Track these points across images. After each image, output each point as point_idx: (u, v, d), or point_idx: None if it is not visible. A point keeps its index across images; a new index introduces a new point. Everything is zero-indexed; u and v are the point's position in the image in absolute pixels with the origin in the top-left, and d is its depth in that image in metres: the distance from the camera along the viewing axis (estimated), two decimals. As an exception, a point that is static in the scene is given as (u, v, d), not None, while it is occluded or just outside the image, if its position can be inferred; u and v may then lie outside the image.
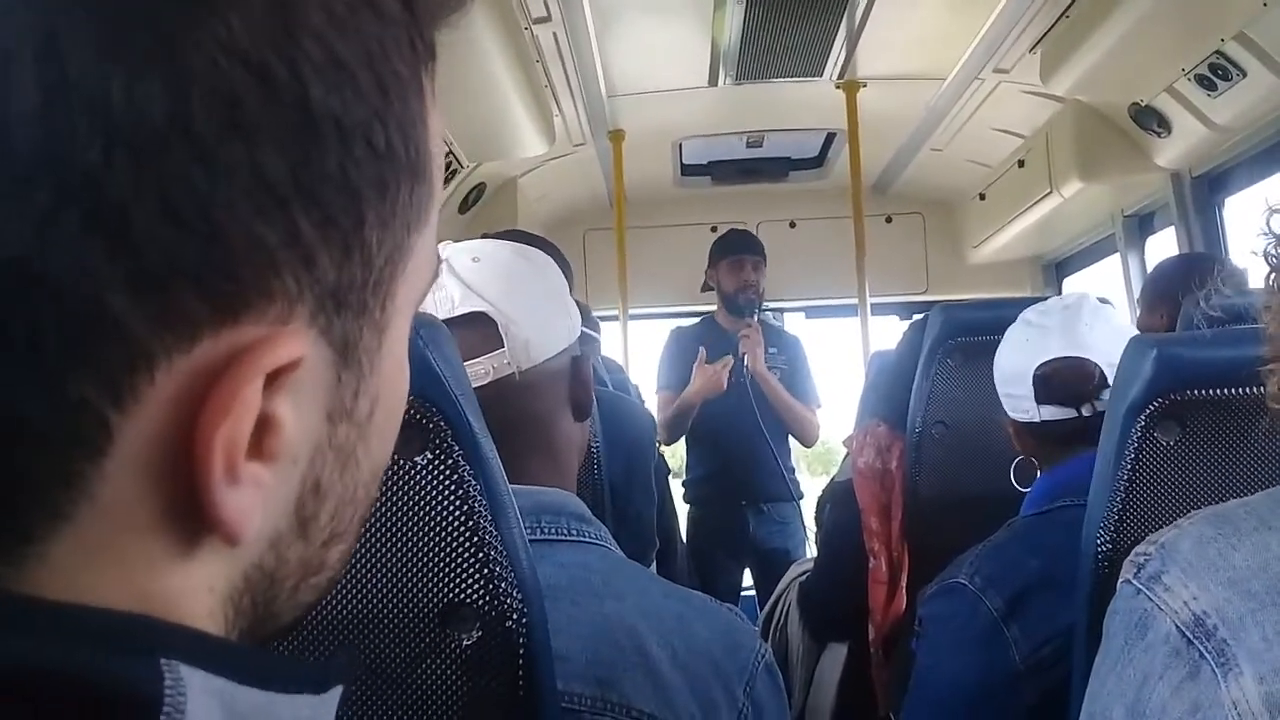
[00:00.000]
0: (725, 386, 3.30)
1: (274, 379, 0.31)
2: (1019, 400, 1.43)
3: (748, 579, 3.63)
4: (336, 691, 0.36)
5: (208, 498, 0.30)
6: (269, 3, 0.29)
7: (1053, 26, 2.77)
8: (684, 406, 3.37)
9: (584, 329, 1.08)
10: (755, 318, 3.42)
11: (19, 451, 0.28)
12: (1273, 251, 0.68)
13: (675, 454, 3.95)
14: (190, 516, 0.31)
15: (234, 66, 0.28)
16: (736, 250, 3.51)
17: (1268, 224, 0.68)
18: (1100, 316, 1.44)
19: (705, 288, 3.64)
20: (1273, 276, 0.67)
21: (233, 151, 0.28)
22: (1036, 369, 1.39)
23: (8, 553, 0.28)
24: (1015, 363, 1.44)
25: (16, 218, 0.26)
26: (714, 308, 3.67)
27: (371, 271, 0.34)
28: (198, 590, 0.32)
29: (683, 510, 3.53)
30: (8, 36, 0.26)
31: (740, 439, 3.41)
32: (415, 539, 0.69)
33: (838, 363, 5.67)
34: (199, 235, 0.28)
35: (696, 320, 3.74)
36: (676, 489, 3.48)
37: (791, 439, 3.56)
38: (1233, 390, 1.02)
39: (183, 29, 0.27)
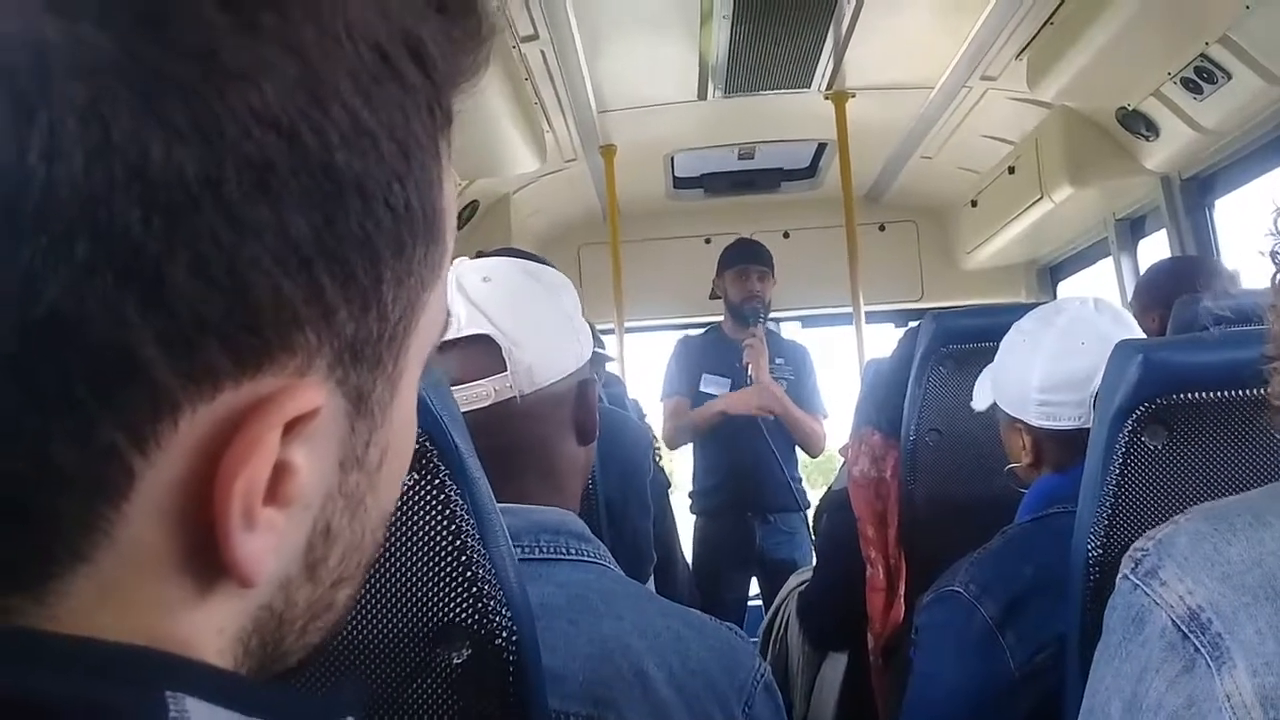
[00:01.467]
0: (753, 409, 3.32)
1: (291, 427, 0.32)
2: (1061, 408, 1.37)
3: (754, 588, 3.62)
4: None
5: (225, 542, 0.31)
6: (300, 72, 0.30)
7: (1038, 33, 2.78)
8: (707, 416, 3.40)
9: (596, 349, 1.07)
10: (760, 327, 3.43)
11: (45, 494, 0.29)
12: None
13: (674, 461, 3.94)
14: (206, 560, 0.32)
15: (265, 132, 0.29)
16: (742, 260, 3.51)
17: (1276, 225, 0.68)
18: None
19: (713, 295, 3.64)
20: (1278, 276, 0.67)
21: (261, 213, 0.30)
22: None
23: (30, 588, 0.29)
24: (1069, 369, 1.36)
25: (56, 272, 0.27)
26: (710, 319, 3.68)
27: (387, 326, 0.35)
28: (208, 631, 0.33)
29: (689, 521, 3.54)
30: (54, 102, 0.27)
31: (746, 449, 3.41)
32: (403, 560, 0.69)
33: (834, 372, 5.66)
34: (227, 292, 0.29)
35: (702, 330, 3.74)
36: (682, 500, 3.49)
37: (798, 449, 3.57)
38: (1219, 393, 1.03)
39: (218, 96, 0.29)
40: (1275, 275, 0.67)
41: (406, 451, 0.41)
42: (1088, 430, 1.30)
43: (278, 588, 0.36)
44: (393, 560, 0.68)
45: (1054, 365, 1.38)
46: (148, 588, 0.31)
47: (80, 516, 0.29)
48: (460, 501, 0.70)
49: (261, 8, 0.30)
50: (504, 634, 0.70)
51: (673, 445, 3.49)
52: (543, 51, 2.81)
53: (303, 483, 0.33)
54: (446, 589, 0.69)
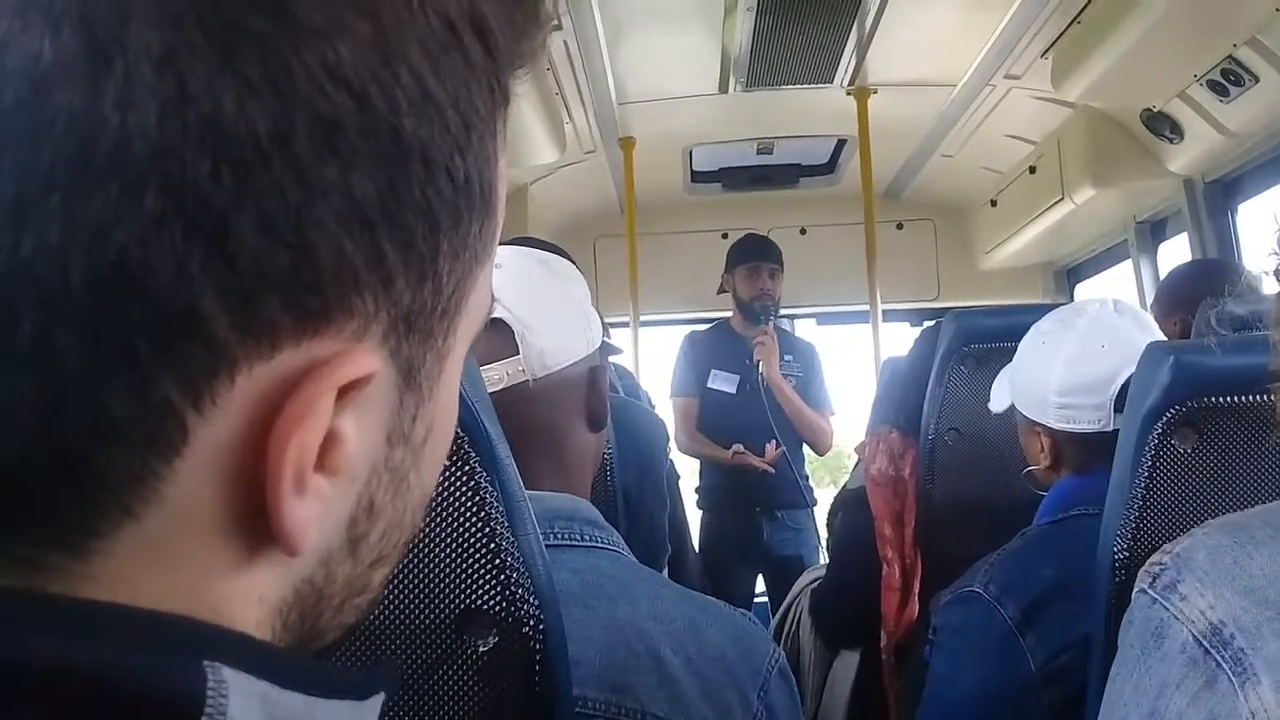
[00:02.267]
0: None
1: (343, 394, 0.32)
2: (1080, 411, 1.36)
3: (760, 585, 3.62)
4: (379, 699, 0.37)
5: (275, 506, 0.31)
6: (373, 35, 0.30)
7: (1064, 32, 2.76)
8: (710, 454, 3.47)
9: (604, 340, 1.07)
10: (771, 324, 3.42)
11: (98, 447, 0.28)
12: None
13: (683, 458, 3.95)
14: (252, 524, 0.31)
15: (337, 91, 0.30)
16: (753, 257, 3.51)
17: (1279, 243, 0.68)
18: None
19: (721, 290, 3.64)
20: None
21: (329, 172, 0.30)
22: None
23: (75, 547, 0.29)
24: (1090, 372, 1.36)
25: (124, 220, 0.27)
26: (727, 313, 3.68)
27: (441, 299, 0.35)
28: (248, 599, 0.33)
29: (696, 516, 3.54)
30: (131, 50, 0.27)
31: (752, 446, 3.41)
32: (432, 545, 0.68)
33: (849, 369, 5.66)
34: (291, 249, 0.29)
35: (710, 325, 3.74)
36: (689, 496, 3.49)
37: (805, 446, 3.56)
38: (1250, 397, 1.02)
39: (294, 52, 0.29)
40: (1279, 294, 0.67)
41: (449, 431, 0.41)
42: (1107, 433, 1.30)
43: (319, 561, 0.36)
44: (421, 545, 0.68)
45: (1073, 368, 1.37)
46: (192, 550, 0.31)
47: (131, 471, 0.29)
48: (490, 488, 0.69)
49: None
50: (531, 621, 0.69)
51: (680, 450, 3.49)
52: (565, 42, 2.80)
53: (351, 453, 0.33)
54: (474, 575, 0.69)
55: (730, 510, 3.51)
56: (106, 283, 0.27)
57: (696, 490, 3.61)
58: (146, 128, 0.27)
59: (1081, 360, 1.37)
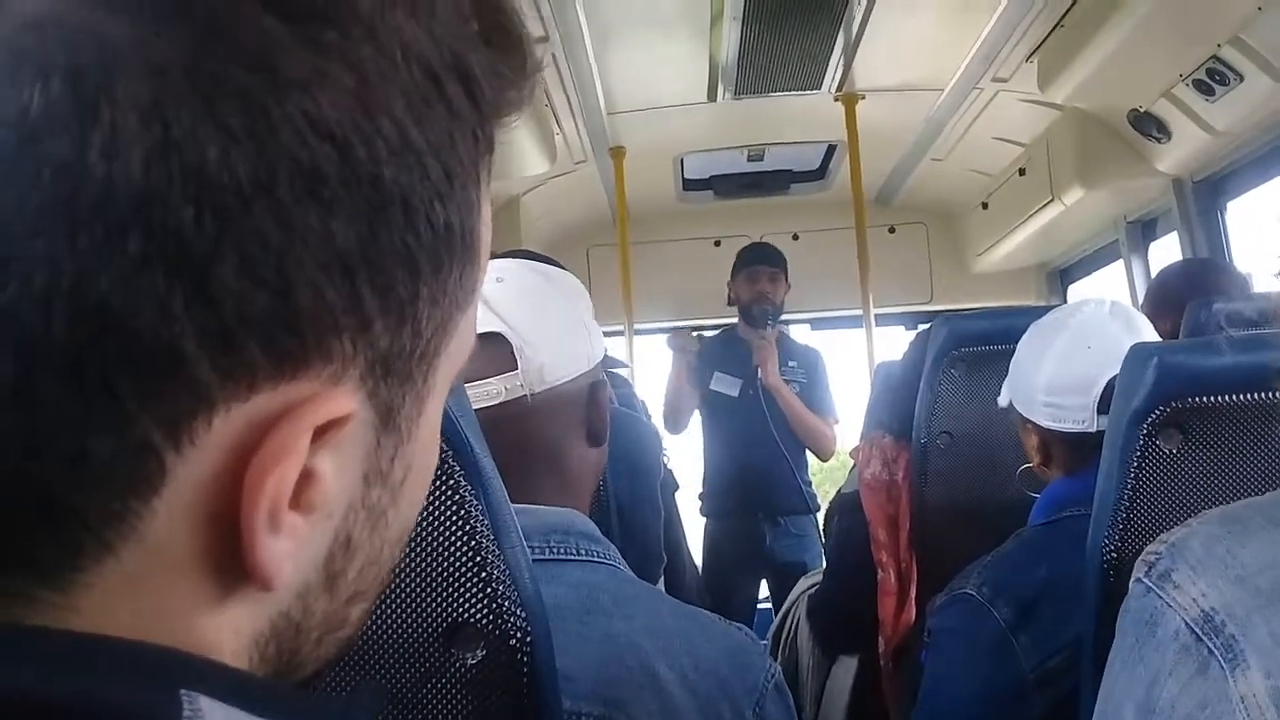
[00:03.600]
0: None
1: (320, 434, 0.33)
2: (1068, 411, 1.37)
3: (764, 591, 3.62)
4: None
5: (249, 543, 0.32)
6: (357, 87, 0.31)
7: (1049, 35, 2.77)
8: (676, 378, 3.49)
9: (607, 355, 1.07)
10: (771, 329, 3.43)
11: (78, 486, 0.29)
12: None
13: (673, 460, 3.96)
14: (229, 560, 0.32)
15: (319, 141, 0.30)
16: (753, 262, 3.54)
17: None
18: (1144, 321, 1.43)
19: (730, 301, 3.65)
20: None
21: (310, 218, 0.30)
22: (1114, 378, 1.26)
23: (56, 580, 0.30)
24: (1074, 372, 1.37)
25: (106, 264, 0.28)
26: (720, 321, 3.70)
27: (420, 343, 0.36)
28: (225, 631, 0.33)
29: (699, 523, 3.54)
30: (118, 100, 0.28)
31: (756, 451, 3.42)
32: (417, 559, 0.69)
33: (843, 374, 5.66)
34: (272, 292, 0.30)
35: (718, 331, 3.75)
36: (691, 502, 3.49)
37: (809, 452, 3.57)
38: (1235, 397, 1.02)
39: (276, 104, 0.30)
40: None
41: (429, 470, 0.42)
42: (1093, 433, 1.30)
43: (296, 596, 0.36)
44: (407, 561, 0.68)
45: (1060, 367, 1.38)
46: (170, 585, 0.31)
47: (110, 509, 0.30)
48: (475, 502, 0.69)
49: (324, 25, 0.31)
50: (518, 634, 0.70)
51: (670, 427, 3.49)
52: (553, 54, 2.81)
53: (327, 491, 0.34)
54: (461, 589, 0.69)
55: (733, 516, 3.51)
56: (89, 325, 0.28)
57: (700, 497, 3.61)
58: (131, 175, 0.28)
59: (1068, 359, 1.38)
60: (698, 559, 3.21)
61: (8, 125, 0.27)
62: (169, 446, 0.30)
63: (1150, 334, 1.41)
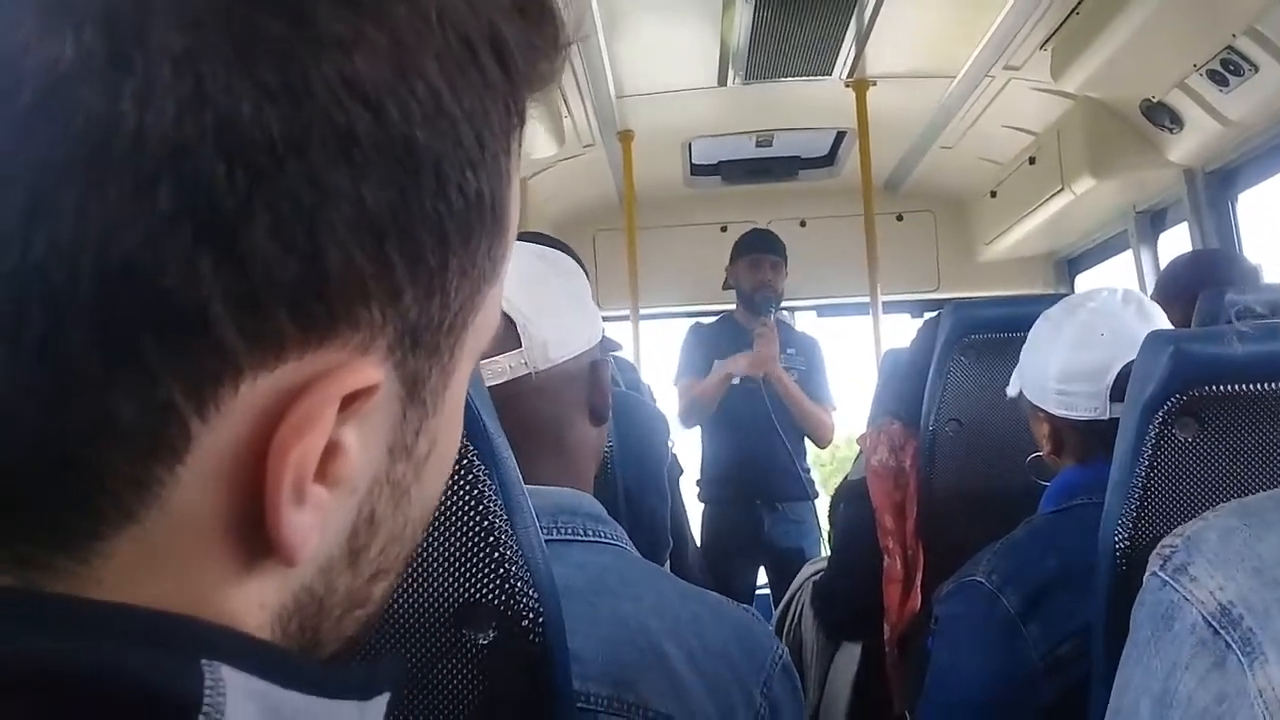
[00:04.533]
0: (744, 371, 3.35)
1: (346, 406, 0.32)
2: (1077, 398, 1.36)
3: (762, 578, 3.63)
4: (384, 699, 0.37)
5: (273, 514, 0.31)
6: (392, 48, 0.31)
7: (1063, 23, 2.75)
8: (714, 382, 3.42)
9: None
10: (772, 317, 3.43)
11: (101, 448, 0.29)
12: None
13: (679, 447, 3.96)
14: (252, 531, 0.32)
15: (353, 102, 0.30)
16: (755, 249, 3.53)
17: None
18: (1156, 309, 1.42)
19: (726, 285, 3.64)
20: None
21: (341, 180, 0.30)
22: (1128, 365, 1.24)
23: (77, 548, 0.29)
24: (1087, 359, 1.36)
25: (135, 220, 0.27)
26: (726, 307, 3.69)
27: (448, 315, 0.35)
28: (249, 604, 0.33)
29: (698, 510, 3.54)
30: (151, 50, 0.27)
31: (755, 438, 3.42)
32: (430, 539, 0.68)
33: (850, 362, 5.67)
34: (301, 256, 0.30)
35: (715, 318, 3.75)
36: (690, 489, 3.49)
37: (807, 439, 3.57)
38: (1250, 386, 1.02)
39: (312, 61, 0.29)
40: None
41: (453, 447, 0.41)
42: (1106, 422, 1.30)
43: (319, 571, 0.36)
44: (420, 540, 0.68)
45: (1072, 355, 1.38)
46: (193, 555, 0.31)
47: (133, 474, 0.29)
48: (488, 481, 0.69)
49: None
50: (530, 615, 0.69)
51: (687, 423, 3.50)
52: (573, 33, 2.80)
53: (352, 464, 0.33)
54: (473, 569, 0.69)
55: (731, 503, 3.52)
56: (116, 281, 0.27)
57: (698, 483, 3.62)
58: (163, 127, 0.27)
59: (1080, 347, 1.37)
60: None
61: (42, 72, 0.27)
62: (193, 412, 0.29)
63: (1163, 322, 1.40)
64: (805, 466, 3.56)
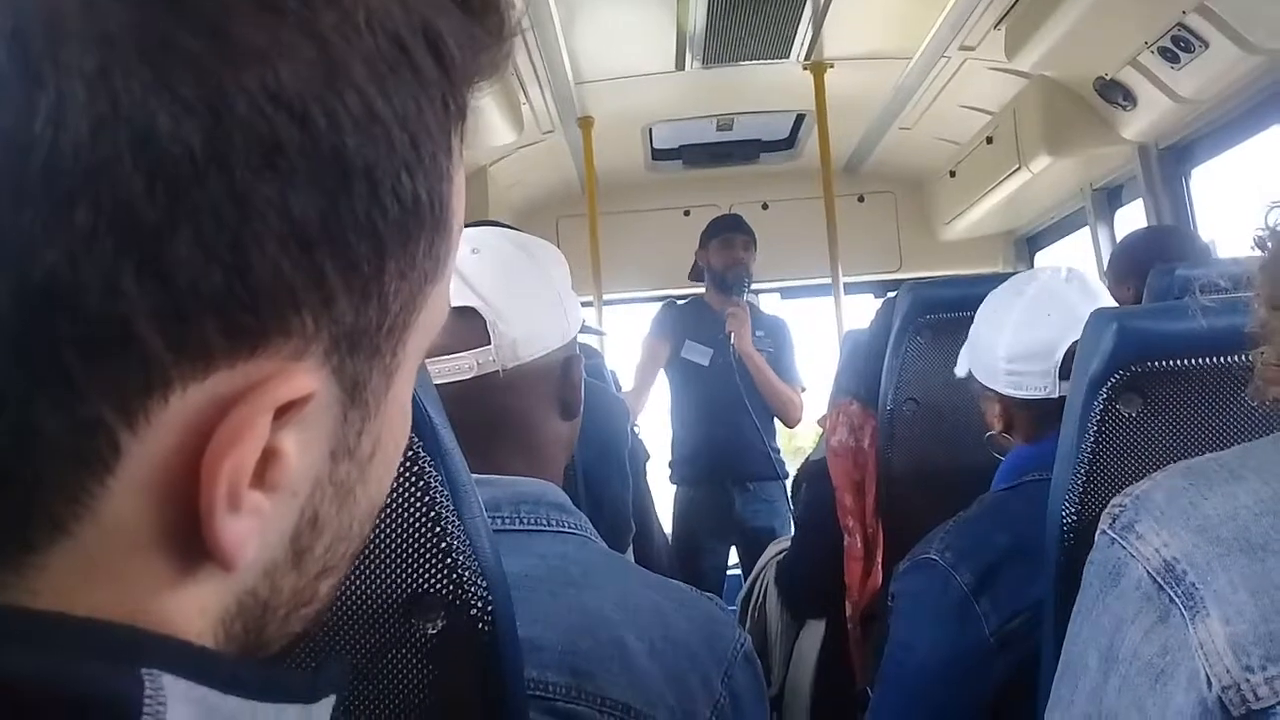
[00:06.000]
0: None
1: (283, 412, 0.32)
2: (1026, 377, 1.38)
3: (734, 557, 3.65)
4: (329, 701, 0.37)
5: (208, 523, 0.31)
6: (316, 54, 0.30)
7: (1016, 2, 2.77)
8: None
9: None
10: (744, 297, 3.44)
11: (30, 464, 0.28)
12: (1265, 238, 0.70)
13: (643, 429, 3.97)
14: (189, 540, 0.31)
15: (277, 111, 0.29)
16: (727, 229, 3.54)
17: (1266, 219, 0.71)
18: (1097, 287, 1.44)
19: (694, 273, 3.65)
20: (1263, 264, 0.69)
21: (267, 191, 0.30)
22: (1075, 343, 1.25)
23: (10, 561, 0.29)
24: (1035, 339, 1.38)
25: (54, 237, 0.27)
26: (690, 291, 3.70)
27: (387, 317, 0.35)
28: (189, 610, 0.33)
29: (669, 490, 3.55)
30: (63, 68, 0.27)
31: (725, 418, 3.44)
32: (378, 530, 0.68)
33: (813, 343, 5.70)
34: (227, 268, 0.29)
35: (686, 300, 3.76)
36: (661, 471, 3.50)
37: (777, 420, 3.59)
38: (1192, 360, 1.03)
39: (231, 73, 0.29)
40: (1262, 264, 0.69)
41: (399, 444, 0.41)
42: (1055, 400, 1.32)
43: (262, 574, 0.35)
44: (367, 532, 0.68)
45: (1020, 335, 1.39)
46: (129, 565, 0.31)
47: (63, 488, 0.29)
48: (434, 473, 0.69)
49: None
50: (479, 604, 0.70)
51: (635, 393, 3.49)
52: (518, 22, 2.78)
53: (291, 469, 0.33)
54: (420, 560, 0.69)
55: (702, 484, 3.53)
56: (36, 299, 0.27)
57: (669, 465, 3.63)
58: (79, 144, 0.27)
59: (1028, 327, 1.39)
60: (668, 527, 3.23)
61: None
62: (122, 425, 0.29)
63: (1107, 299, 1.42)
64: (775, 446, 3.58)
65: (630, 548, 1.90)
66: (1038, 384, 1.37)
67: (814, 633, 2.18)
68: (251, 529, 0.32)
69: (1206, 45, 2.46)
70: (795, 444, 4.20)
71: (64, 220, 0.27)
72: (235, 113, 0.29)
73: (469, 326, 0.93)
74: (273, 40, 0.29)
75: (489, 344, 0.93)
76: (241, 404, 0.31)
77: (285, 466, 0.33)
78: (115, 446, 0.29)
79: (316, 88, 0.30)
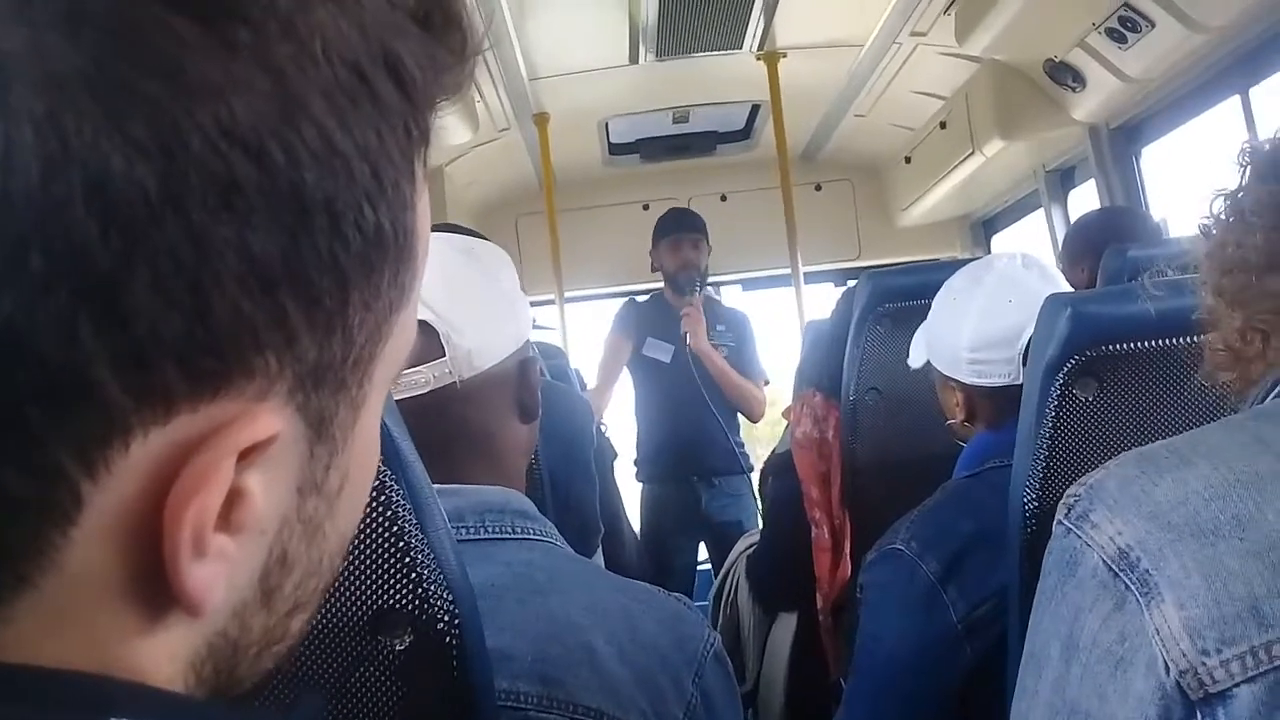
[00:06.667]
0: None
1: (247, 454, 0.31)
2: (994, 365, 1.39)
3: (703, 553, 3.66)
4: None
5: (173, 570, 0.30)
6: (272, 88, 0.29)
7: (966, -13, 2.79)
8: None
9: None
10: (697, 295, 3.44)
11: None
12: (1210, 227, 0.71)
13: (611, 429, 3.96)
14: (155, 587, 0.31)
15: (232, 149, 0.29)
16: (674, 230, 3.54)
17: (1211, 207, 0.72)
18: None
19: (654, 268, 3.65)
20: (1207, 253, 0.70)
21: (225, 231, 0.29)
22: None
23: None
24: (999, 326, 1.38)
25: (8, 285, 0.26)
26: (652, 286, 3.72)
27: (352, 349, 0.34)
28: (158, 657, 0.32)
29: (635, 489, 3.55)
30: (10, 113, 0.26)
31: (687, 415, 3.45)
32: (340, 549, 0.68)
33: (775, 334, 5.71)
34: (186, 311, 0.28)
35: (647, 296, 3.76)
36: (628, 469, 3.50)
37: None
38: (1145, 343, 1.05)
39: (184, 111, 0.28)
40: (1207, 252, 0.70)
41: (368, 477, 0.40)
42: (1018, 386, 1.33)
43: (233, 615, 0.35)
44: (329, 550, 0.68)
45: (983, 323, 1.40)
46: (95, 614, 0.30)
47: (24, 540, 0.28)
48: (396, 487, 0.69)
49: (237, 24, 0.29)
50: (445, 618, 0.69)
51: (598, 391, 3.50)
52: (482, 39, 2.76)
53: (257, 509, 0.33)
54: (385, 576, 0.69)
55: (668, 481, 3.54)
56: None
57: (635, 463, 3.63)
58: (29, 190, 0.26)
59: (990, 315, 1.39)
60: (636, 526, 3.23)
61: None
62: (83, 474, 0.28)
63: (1064, 284, 1.43)
64: (739, 440, 3.59)
65: (599, 549, 1.90)
66: (1002, 371, 1.38)
67: (786, 626, 2.19)
68: (218, 574, 0.32)
69: (1153, 25, 2.48)
70: (754, 434, 4.21)
71: (18, 268, 0.26)
72: (190, 151, 0.28)
73: (423, 340, 0.92)
74: (226, 75, 0.29)
75: (444, 356, 0.93)
76: (205, 449, 0.30)
77: (251, 507, 0.32)
78: (76, 497, 0.28)
79: (273, 122, 0.29)
